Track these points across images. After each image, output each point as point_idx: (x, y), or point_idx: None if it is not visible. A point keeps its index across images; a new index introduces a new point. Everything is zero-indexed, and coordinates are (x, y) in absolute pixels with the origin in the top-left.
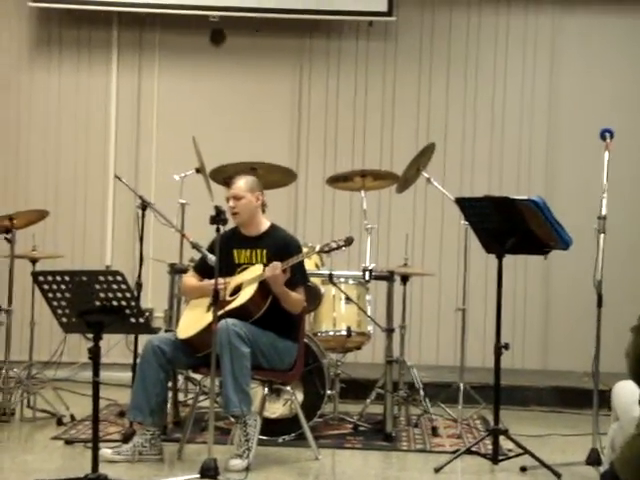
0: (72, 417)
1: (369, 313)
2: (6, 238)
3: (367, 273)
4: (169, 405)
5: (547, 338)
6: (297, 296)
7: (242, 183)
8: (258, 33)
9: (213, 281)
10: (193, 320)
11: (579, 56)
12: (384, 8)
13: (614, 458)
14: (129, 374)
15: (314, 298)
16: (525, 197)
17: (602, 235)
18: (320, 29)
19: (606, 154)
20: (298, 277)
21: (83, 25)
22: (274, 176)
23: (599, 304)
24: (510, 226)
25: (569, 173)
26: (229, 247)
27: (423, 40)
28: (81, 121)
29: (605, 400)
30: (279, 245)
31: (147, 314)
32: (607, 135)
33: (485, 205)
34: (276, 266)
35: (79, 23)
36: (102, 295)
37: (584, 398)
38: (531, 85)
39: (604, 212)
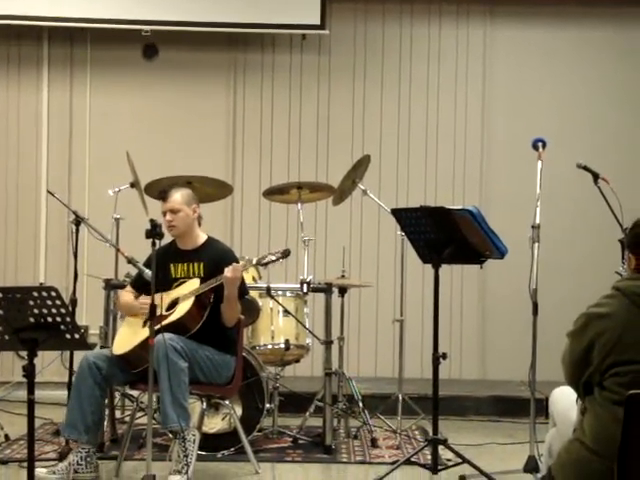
0: (6, 437)
1: (307, 326)
2: None
3: (305, 285)
4: (106, 422)
5: (484, 348)
6: (238, 307)
7: (178, 196)
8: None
9: (143, 300)
10: (129, 336)
11: (511, 66)
12: (317, 21)
13: (552, 463)
14: (64, 392)
15: (252, 311)
16: (460, 207)
17: (536, 244)
18: (253, 42)
19: (539, 163)
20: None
21: (12, 41)
22: (210, 189)
23: (534, 312)
24: (446, 236)
25: (503, 183)
26: (165, 261)
27: (357, 53)
28: (12, 138)
29: (542, 408)
30: (216, 258)
31: (82, 330)
32: (539, 145)
33: (421, 215)
34: (237, 267)
35: (8, 39)
36: (36, 311)
37: (521, 407)
38: (464, 96)
39: (538, 221)
